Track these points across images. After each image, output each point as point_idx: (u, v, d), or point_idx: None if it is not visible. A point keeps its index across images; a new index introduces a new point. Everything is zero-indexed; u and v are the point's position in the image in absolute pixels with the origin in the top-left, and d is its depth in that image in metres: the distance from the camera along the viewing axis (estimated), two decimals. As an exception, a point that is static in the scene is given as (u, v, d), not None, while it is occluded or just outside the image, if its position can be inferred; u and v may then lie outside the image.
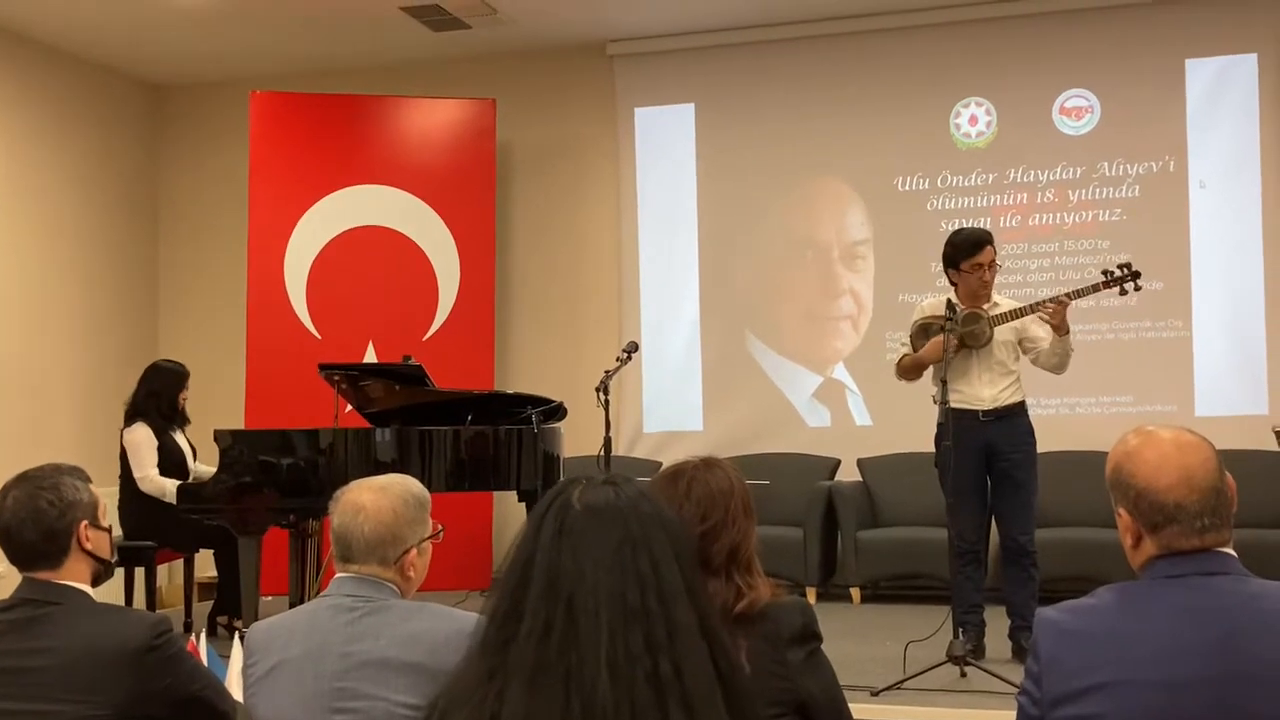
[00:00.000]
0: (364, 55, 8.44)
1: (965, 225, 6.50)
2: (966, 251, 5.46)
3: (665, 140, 8.32)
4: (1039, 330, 5.54)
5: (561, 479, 6.24)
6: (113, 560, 2.66)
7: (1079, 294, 5.38)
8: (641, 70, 8.34)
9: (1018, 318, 5.46)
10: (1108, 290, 5.40)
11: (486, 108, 8.17)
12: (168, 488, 6.12)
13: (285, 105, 8.14)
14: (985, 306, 5.49)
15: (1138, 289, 5.40)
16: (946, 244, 5.58)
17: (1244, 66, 7.44)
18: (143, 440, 6.26)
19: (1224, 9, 7.43)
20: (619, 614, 1.41)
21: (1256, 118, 7.40)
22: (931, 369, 5.50)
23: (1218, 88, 7.48)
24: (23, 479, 2.56)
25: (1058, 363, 5.49)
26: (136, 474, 6.22)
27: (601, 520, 1.47)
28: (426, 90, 8.34)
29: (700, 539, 2.13)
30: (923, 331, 5.54)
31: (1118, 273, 5.36)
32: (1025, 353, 5.57)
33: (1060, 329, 5.33)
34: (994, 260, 5.49)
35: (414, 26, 7.88)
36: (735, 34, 8.08)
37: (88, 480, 2.62)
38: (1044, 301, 5.36)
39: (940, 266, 5.68)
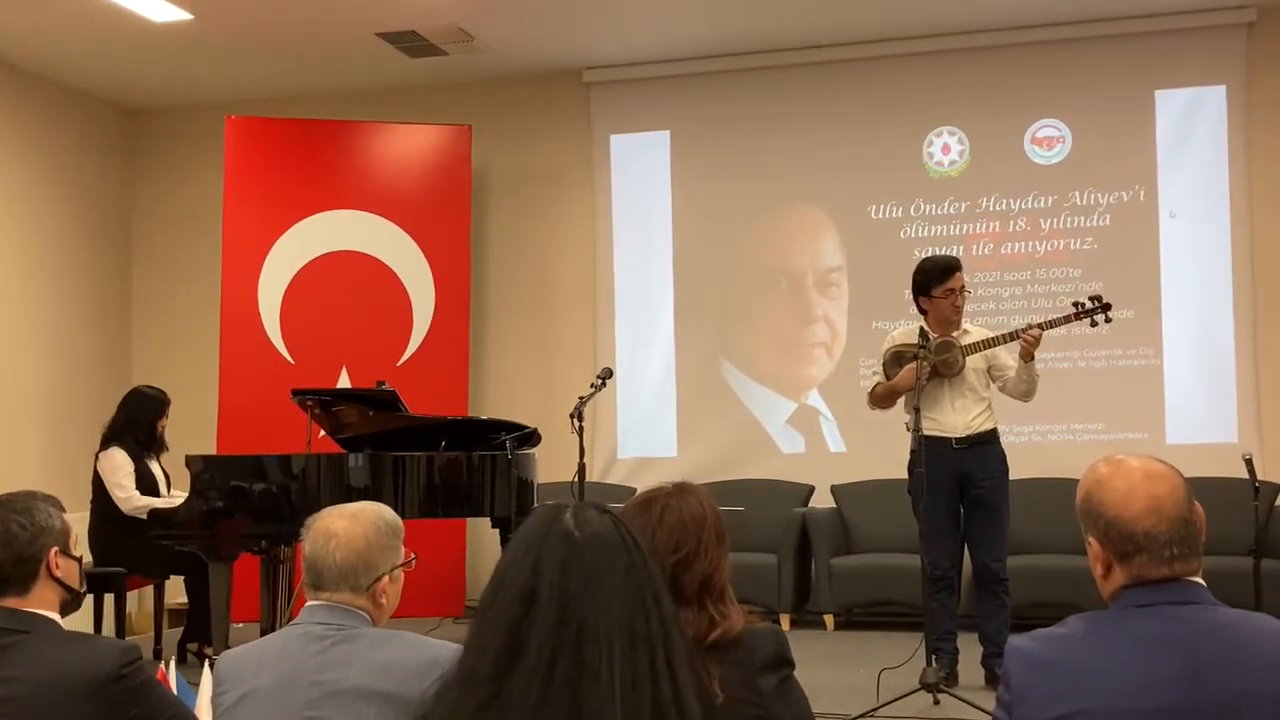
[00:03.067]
0: (340, 81, 8.44)
1: (938, 253, 6.57)
2: (938, 277, 5.50)
3: (641, 167, 8.34)
4: (1007, 358, 5.59)
5: (535, 506, 6.24)
6: (82, 590, 2.63)
7: (1051, 324, 5.43)
8: (617, 97, 8.37)
9: (990, 346, 5.50)
10: (1078, 321, 5.46)
11: (462, 134, 8.18)
12: (154, 504, 6.09)
13: (261, 130, 8.12)
14: (956, 334, 5.53)
15: (1108, 320, 5.47)
16: (916, 271, 5.62)
17: (1213, 98, 7.53)
18: (120, 464, 6.23)
19: (1193, 41, 7.52)
20: (628, 640, 1.42)
21: (1225, 148, 7.48)
22: (904, 397, 5.53)
23: (1187, 119, 7.57)
24: (-5, 503, 2.55)
25: (1025, 389, 5.54)
26: (119, 495, 6.17)
27: (608, 548, 1.48)
28: (402, 116, 8.35)
29: (673, 568, 2.12)
30: (895, 359, 5.57)
31: (1089, 304, 5.42)
32: (994, 380, 5.61)
33: (1026, 356, 5.38)
34: (964, 286, 5.54)
35: (390, 53, 7.89)
36: (711, 62, 8.12)
37: (61, 509, 2.60)
38: (1025, 330, 5.38)
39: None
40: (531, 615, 1.43)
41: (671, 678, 1.42)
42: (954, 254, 6.32)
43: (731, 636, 2.12)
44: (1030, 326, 5.39)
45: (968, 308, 5.68)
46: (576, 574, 1.45)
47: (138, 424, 6.39)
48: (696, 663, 1.50)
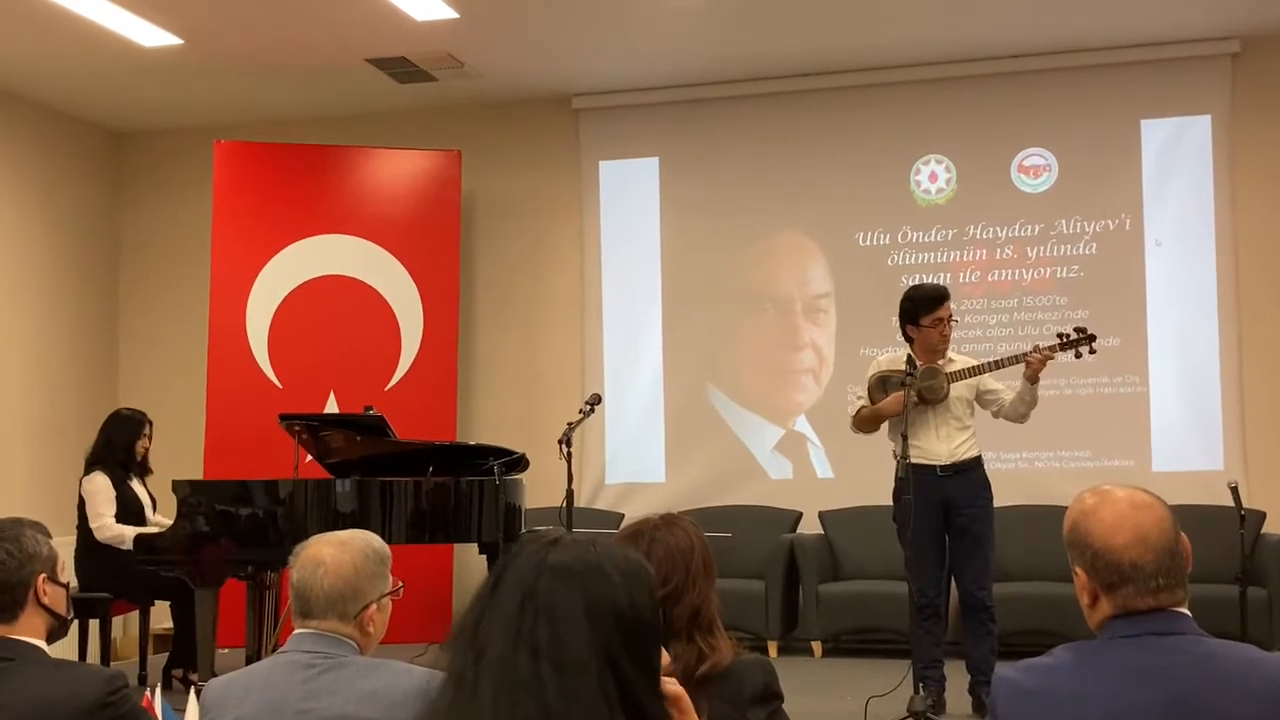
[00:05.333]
0: (329, 106, 8.46)
1: (925, 280, 6.60)
2: (927, 306, 5.52)
3: (629, 193, 8.37)
4: (996, 383, 5.61)
5: (524, 532, 6.23)
6: (69, 617, 2.63)
7: (1051, 350, 5.45)
8: (606, 124, 8.40)
9: (977, 374, 5.52)
10: (1064, 353, 5.50)
11: (452, 159, 8.20)
12: (126, 534, 6.06)
13: (249, 154, 8.14)
14: (940, 362, 5.55)
15: (1092, 352, 5.52)
16: (905, 299, 5.64)
17: (1198, 128, 7.58)
18: (100, 489, 6.20)
19: (1178, 71, 7.59)
20: (505, 682, 1.37)
21: (1210, 178, 7.54)
22: (889, 423, 5.55)
23: (1172, 148, 7.62)
24: (-17, 530, 2.54)
25: (1025, 411, 5.56)
26: (93, 523, 6.15)
27: (518, 578, 1.43)
28: (392, 141, 8.36)
29: (662, 601, 2.12)
30: (881, 384, 5.59)
31: (1074, 335, 5.45)
32: (985, 406, 5.63)
33: (1033, 379, 5.41)
34: (952, 314, 5.57)
35: (380, 78, 7.91)
36: (700, 90, 8.16)
37: (49, 536, 2.59)
38: (1032, 351, 5.40)
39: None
40: (463, 626, 1.44)
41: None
42: (941, 282, 6.35)
43: (721, 669, 2.12)
44: (1036, 349, 5.42)
45: (954, 335, 5.70)
46: (496, 596, 1.43)
47: (115, 446, 6.37)
48: (651, 712, 1.41)
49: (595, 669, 1.37)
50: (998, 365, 5.51)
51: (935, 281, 6.37)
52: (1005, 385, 5.63)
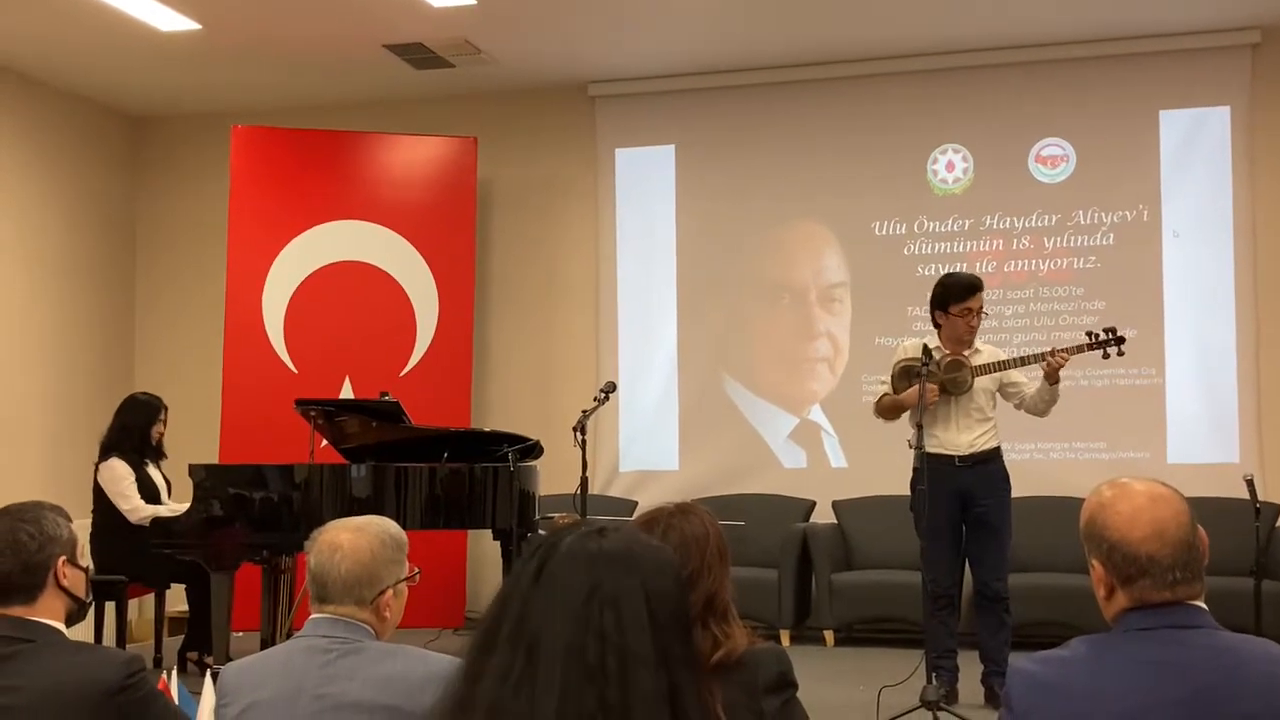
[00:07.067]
0: (347, 91, 8.47)
1: (942, 270, 6.58)
2: (958, 295, 5.49)
3: (645, 181, 8.36)
4: (1020, 376, 5.60)
5: (538, 518, 6.23)
6: (88, 600, 2.64)
7: (1075, 350, 5.44)
8: (622, 111, 8.39)
9: (1003, 369, 5.51)
10: (1091, 352, 5.48)
11: (468, 145, 8.20)
12: (161, 512, 6.09)
13: (267, 140, 8.15)
14: (966, 353, 5.53)
15: (1120, 354, 5.50)
16: (938, 285, 5.61)
17: (1216, 118, 7.54)
18: (121, 474, 6.22)
19: (1197, 62, 7.54)
20: (575, 670, 1.36)
21: (1229, 169, 7.50)
22: (909, 412, 5.53)
23: (1191, 139, 7.58)
24: (4, 512, 2.56)
25: (1045, 408, 5.55)
26: (124, 506, 6.17)
27: (576, 568, 1.43)
28: (408, 127, 8.37)
29: None
30: (905, 373, 5.56)
31: (1102, 335, 5.44)
32: (1008, 398, 5.62)
33: (1052, 379, 5.39)
34: (982, 307, 5.54)
35: (397, 64, 7.91)
36: (716, 77, 8.15)
37: (68, 519, 2.61)
38: (1052, 352, 5.38)
39: (916, 310, 5.74)
40: (501, 621, 1.43)
41: (624, 718, 1.35)
42: (968, 271, 6.33)
43: (735, 657, 2.12)
44: (1056, 350, 5.40)
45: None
46: (541, 589, 1.42)
47: (130, 431, 6.39)
48: (694, 711, 1.40)
49: (653, 663, 1.38)
50: (1023, 362, 5.49)
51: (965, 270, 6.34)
52: (1029, 378, 5.62)
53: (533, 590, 1.43)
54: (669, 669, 1.39)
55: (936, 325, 5.59)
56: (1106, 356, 5.51)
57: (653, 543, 1.50)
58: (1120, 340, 5.45)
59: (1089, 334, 5.52)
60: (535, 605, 1.41)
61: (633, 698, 1.36)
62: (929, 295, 5.63)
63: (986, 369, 5.48)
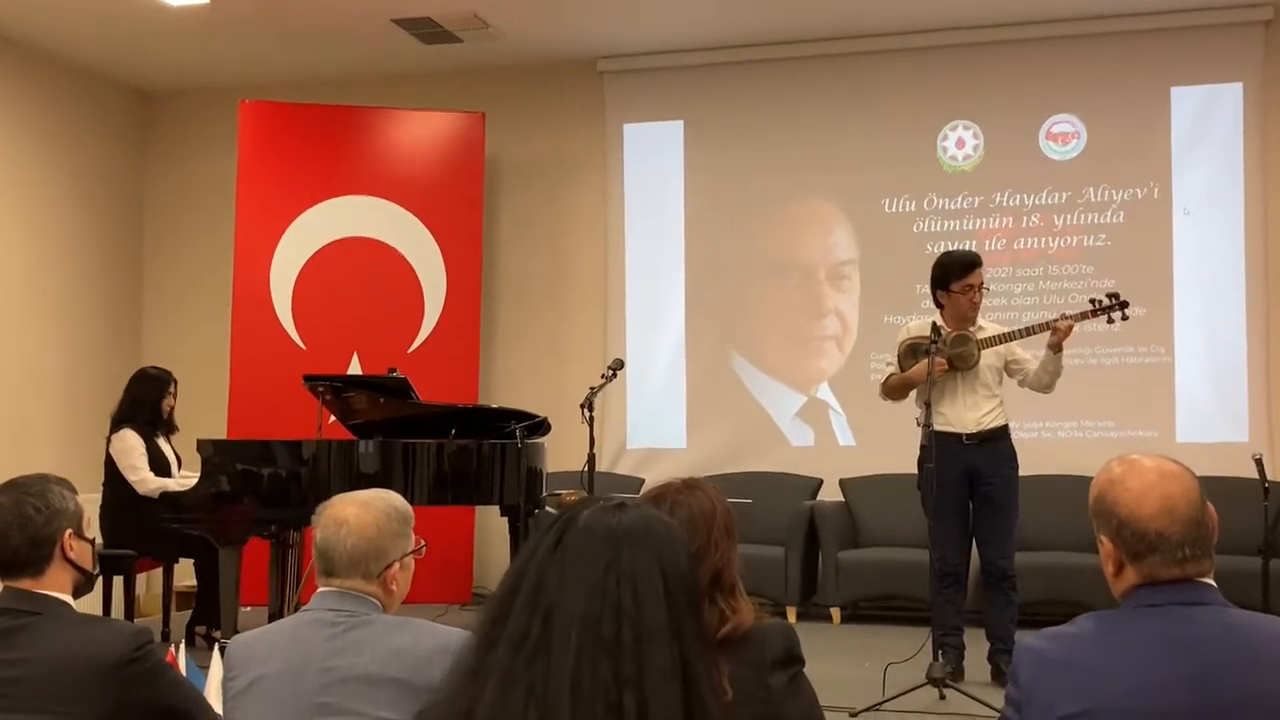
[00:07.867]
0: (354, 66, 8.44)
1: (951, 248, 6.56)
2: (958, 272, 5.48)
3: (653, 157, 8.33)
4: (1024, 352, 5.59)
5: (546, 495, 6.23)
6: (95, 572, 2.65)
7: (1078, 318, 5.42)
8: (631, 87, 8.36)
9: (1005, 342, 5.49)
10: (1095, 319, 5.46)
11: (476, 121, 8.18)
12: (169, 484, 6.11)
13: (274, 115, 8.13)
14: (971, 329, 5.52)
15: (1125, 319, 5.47)
16: (936, 265, 5.60)
17: (1229, 95, 7.50)
18: (132, 445, 6.24)
19: (1209, 38, 7.49)
20: (591, 641, 1.38)
21: (1241, 147, 7.46)
22: (916, 390, 5.52)
23: (1203, 116, 7.54)
24: (10, 486, 2.56)
25: (1049, 381, 5.53)
26: (132, 477, 6.19)
27: (594, 542, 1.44)
28: (416, 102, 8.35)
29: None
30: (911, 352, 5.56)
31: (1106, 301, 5.41)
32: (1012, 374, 5.60)
33: (1056, 347, 5.37)
34: (983, 283, 5.53)
35: (405, 39, 7.88)
36: (725, 53, 8.11)
37: (74, 492, 2.62)
38: (1058, 319, 5.36)
39: (925, 287, 5.71)
40: (516, 591, 1.44)
41: (639, 691, 1.37)
42: (968, 249, 6.32)
43: (742, 633, 2.12)
44: (1062, 317, 5.38)
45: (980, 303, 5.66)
46: (557, 561, 1.44)
47: (142, 404, 6.41)
48: (705, 685, 1.41)
49: (667, 637, 1.40)
50: (1029, 332, 5.46)
51: (964, 248, 6.33)
52: (1032, 355, 5.61)
53: (550, 562, 1.44)
54: (681, 644, 1.41)
55: (939, 305, 5.58)
56: (1111, 322, 5.49)
57: (669, 520, 1.52)
58: (1124, 305, 5.42)
59: (1092, 300, 5.49)
60: (552, 576, 1.43)
61: (647, 671, 1.38)
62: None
63: (992, 341, 5.46)
